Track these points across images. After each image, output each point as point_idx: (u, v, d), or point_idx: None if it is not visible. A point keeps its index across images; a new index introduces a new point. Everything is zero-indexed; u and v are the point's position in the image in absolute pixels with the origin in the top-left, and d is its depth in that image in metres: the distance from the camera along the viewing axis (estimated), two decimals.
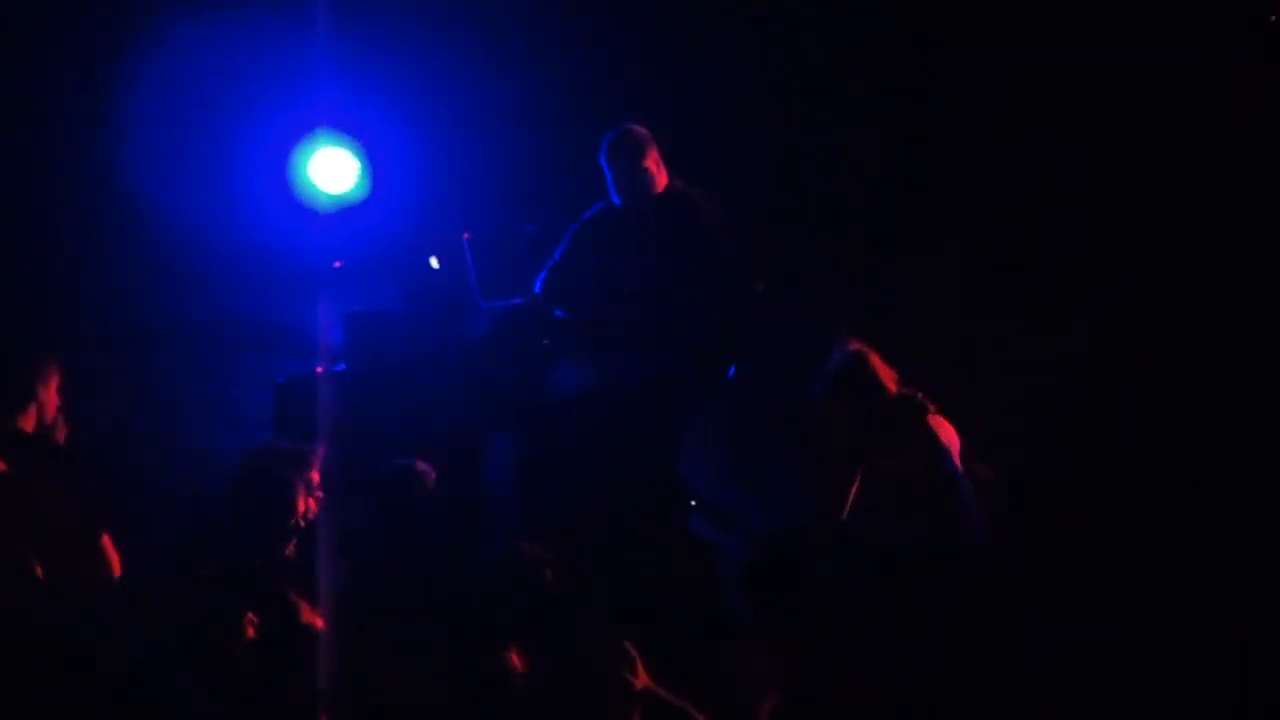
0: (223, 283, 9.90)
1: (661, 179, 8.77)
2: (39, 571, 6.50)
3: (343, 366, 8.82)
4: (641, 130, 8.77)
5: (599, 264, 8.82)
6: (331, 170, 9.16)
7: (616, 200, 8.80)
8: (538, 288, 8.90)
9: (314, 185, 9.14)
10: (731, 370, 8.86)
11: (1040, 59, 9.94)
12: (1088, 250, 9.76)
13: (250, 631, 6.47)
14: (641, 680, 6.23)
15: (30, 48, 9.88)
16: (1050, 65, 9.95)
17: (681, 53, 10.41)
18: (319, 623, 6.58)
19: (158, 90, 9.68)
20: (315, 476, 6.91)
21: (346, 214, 9.13)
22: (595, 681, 6.24)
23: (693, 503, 8.48)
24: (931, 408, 7.62)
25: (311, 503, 6.88)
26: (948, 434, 7.63)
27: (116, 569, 6.66)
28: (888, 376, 7.66)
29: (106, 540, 6.64)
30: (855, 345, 7.70)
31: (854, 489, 7.48)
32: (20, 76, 9.88)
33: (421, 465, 7.27)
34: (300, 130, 9.18)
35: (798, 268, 9.67)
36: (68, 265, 9.82)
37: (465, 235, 8.78)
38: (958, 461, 7.56)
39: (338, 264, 9.08)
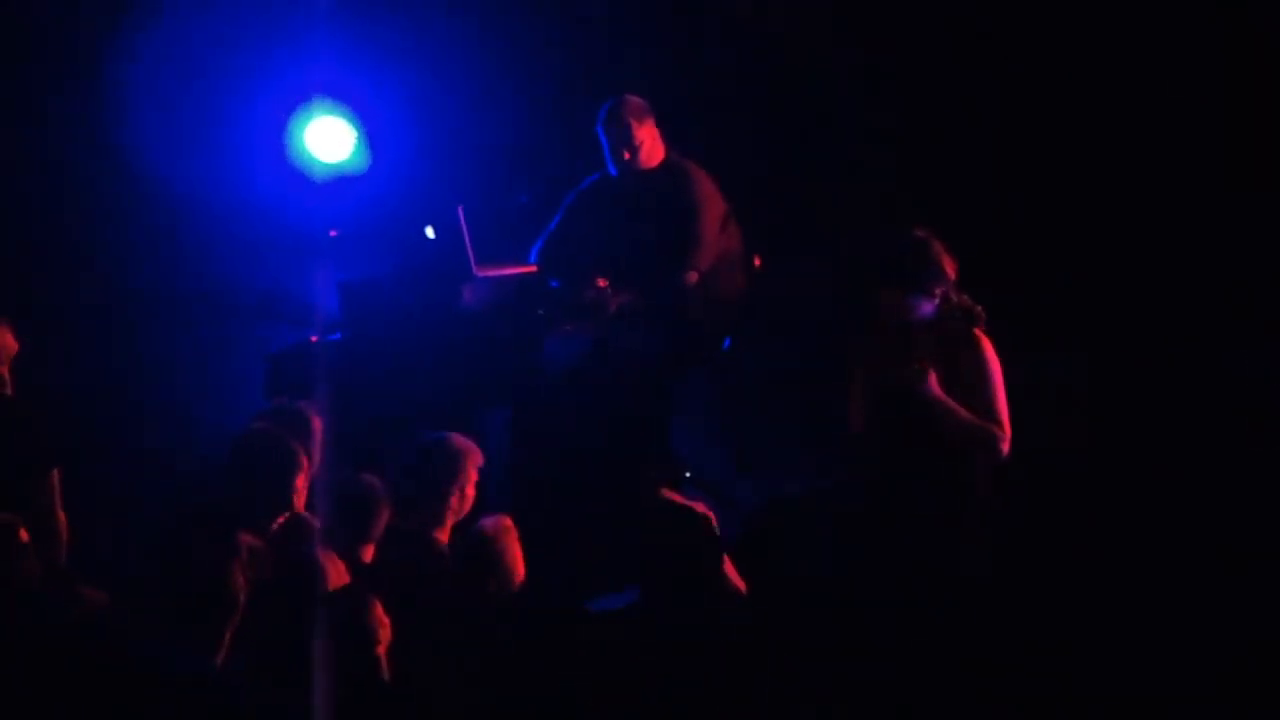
0: (218, 251, 9.86)
1: (658, 151, 8.74)
2: None
3: (337, 336, 8.82)
4: (639, 100, 8.74)
5: (594, 234, 8.80)
6: (328, 139, 9.16)
7: (613, 170, 8.77)
8: (533, 258, 8.89)
9: (310, 154, 9.14)
10: (726, 343, 8.84)
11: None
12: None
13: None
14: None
15: (20, 12, 9.85)
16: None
17: (684, 25, 10.33)
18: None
19: (153, 58, 9.64)
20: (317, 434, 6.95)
21: (342, 183, 9.13)
22: None
23: (687, 475, 8.47)
24: (983, 318, 7.24)
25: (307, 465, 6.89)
26: (993, 352, 7.27)
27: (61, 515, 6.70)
28: (950, 265, 7.27)
29: (55, 477, 6.66)
30: (920, 231, 7.29)
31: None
32: (15, 43, 9.84)
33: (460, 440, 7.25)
34: (297, 99, 9.18)
35: (796, 242, 9.62)
36: (63, 233, 9.79)
37: (459, 207, 8.76)
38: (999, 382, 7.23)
39: (333, 233, 9.07)
